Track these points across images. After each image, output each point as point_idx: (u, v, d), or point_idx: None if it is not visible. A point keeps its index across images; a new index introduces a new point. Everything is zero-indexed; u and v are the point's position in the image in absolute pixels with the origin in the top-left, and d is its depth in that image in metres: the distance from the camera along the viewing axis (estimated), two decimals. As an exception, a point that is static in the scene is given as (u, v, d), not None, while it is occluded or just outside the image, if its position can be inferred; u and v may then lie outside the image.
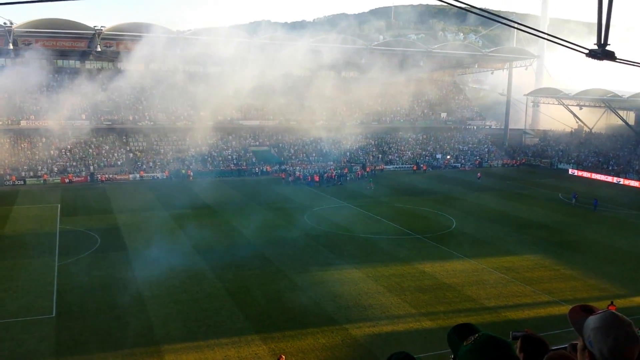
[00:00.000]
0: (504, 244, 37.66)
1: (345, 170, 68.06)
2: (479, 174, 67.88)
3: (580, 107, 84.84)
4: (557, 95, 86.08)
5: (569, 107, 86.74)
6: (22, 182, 59.38)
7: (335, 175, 64.87)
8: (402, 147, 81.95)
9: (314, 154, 75.94)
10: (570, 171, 74.72)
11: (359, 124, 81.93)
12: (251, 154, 73.56)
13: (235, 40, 74.48)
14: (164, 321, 24.10)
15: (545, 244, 37.77)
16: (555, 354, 2.75)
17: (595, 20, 5.26)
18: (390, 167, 75.97)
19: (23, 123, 66.40)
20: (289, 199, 53.41)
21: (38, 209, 47.57)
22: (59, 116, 67.86)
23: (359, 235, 39.62)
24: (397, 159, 78.85)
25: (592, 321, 2.30)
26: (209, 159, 70.02)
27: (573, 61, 74.84)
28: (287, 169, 69.01)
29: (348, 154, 76.92)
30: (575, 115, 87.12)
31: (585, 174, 72.02)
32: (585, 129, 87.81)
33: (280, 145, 77.26)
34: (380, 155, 78.11)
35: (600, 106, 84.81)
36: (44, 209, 47.79)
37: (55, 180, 61.07)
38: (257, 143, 76.65)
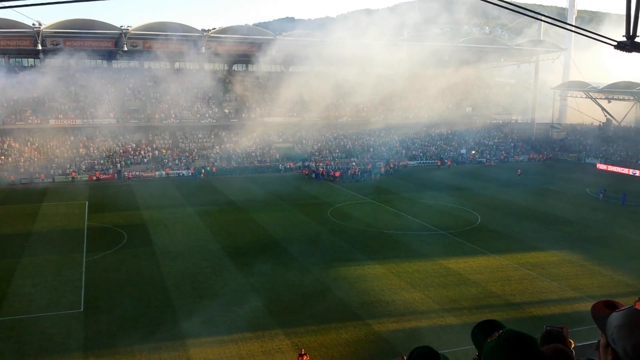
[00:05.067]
0: (529, 240, 37.16)
1: (369, 166, 67.88)
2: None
3: (609, 100, 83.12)
4: (585, 88, 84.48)
5: (597, 100, 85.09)
6: (50, 180, 60.43)
7: (358, 172, 64.82)
8: (426, 143, 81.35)
9: (337, 151, 75.89)
10: (598, 165, 73.30)
11: (382, 120, 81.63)
12: (275, 150, 73.79)
13: (262, 38, 75.02)
14: (189, 316, 24.37)
15: (572, 240, 37.19)
16: (549, 348, 2.70)
17: (624, 11, 5.16)
18: (414, 162, 75.47)
19: (52, 122, 67.59)
20: (312, 196, 53.49)
21: (66, 206, 48.43)
22: (87, 115, 69.06)
23: (382, 231, 39.51)
24: (421, 154, 78.29)
25: (615, 318, 2.23)
26: (233, 155, 70.42)
27: (601, 54, 73.37)
28: (310, 165, 69.10)
29: (371, 149, 76.67)
30: (603, 109, 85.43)
31: (614, 169, 70.59)
32: (614, 122, 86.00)
33: (304, 141, 77.32)
34: (403, 151, 77.64)
35: (629, 99, 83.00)
36: (72, 206, 48.64)
37: (83, 178, 62.04)
38: (281, 140, 76.82)
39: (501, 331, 2.44)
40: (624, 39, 5.17)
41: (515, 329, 2.43)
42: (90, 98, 71.65)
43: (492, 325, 2.60)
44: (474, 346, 2.67)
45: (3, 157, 62.99)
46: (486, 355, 2.41)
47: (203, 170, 65.26)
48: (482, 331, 2.57)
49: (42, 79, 67.13)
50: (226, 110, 76.78)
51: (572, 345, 3.31)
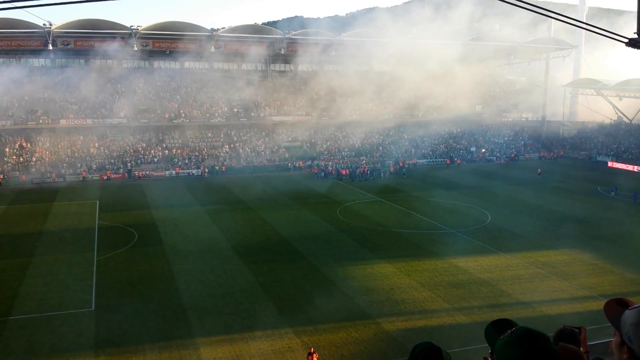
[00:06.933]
0: (540, 239, 36.96)
1: (378, 165, 67.79)
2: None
3: (620, 97, 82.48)
4: (596, 86, 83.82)
5: (608, 98, 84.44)
6: (62, 180, 60.85)
7: (368, 170, 64.77)
8: (436, 141, 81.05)
9: (346, 149, 75.84)
10: (609, 163, 72.71)
11: (391, 118, 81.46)
12: (284, 149, 73.84)
13: (271, 37, 75.11)
14: (199, 315, 24.49)
15: (583, 238, 36.92)
16: (558, 347, 2.70)
17: (635, 8, 5.13)
18: (424, 161, 75.26)
19: (63, 122, 68.08)
20: (321, 194, 53.50)
21: (77, 206, 48.77)
22: (98, 115, 69.48)
23: (391, 229, 39.44)
24: (431, 152, 78.04)
25: (630, 316, 2.23)
26: (243, 155, 70.56)
27: (612, 51, 72.86)
28: (320, 164, 69.13)
29: (381, 148, 76.56)
30: (614, 107, 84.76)
31: (625, 167, 69.98)
32: (625, 120, 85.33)
33: (313, 140, 77.32)
34: (413, 149, 77.42)
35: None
36: (83, 205, 48.97)
37: (94, 178, 62.43)
38: (290, 139, 76.88)
39: (514, 328, 2.46)
40: (636, 36, 5.14)
41: (529, 327, 2.44)
42: (101, 98, 72.08)
43: (506, 323, 2.62)
44: (484, 345, 2.68)
45: (15, 157, 63.52)
46: (499, 351, 2.43)
47: (207, 170, 65.35)
48: (496, 329, 2.59)
49: (53, 79, 67.63)
50: (235, 110, 76.94)
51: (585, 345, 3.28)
